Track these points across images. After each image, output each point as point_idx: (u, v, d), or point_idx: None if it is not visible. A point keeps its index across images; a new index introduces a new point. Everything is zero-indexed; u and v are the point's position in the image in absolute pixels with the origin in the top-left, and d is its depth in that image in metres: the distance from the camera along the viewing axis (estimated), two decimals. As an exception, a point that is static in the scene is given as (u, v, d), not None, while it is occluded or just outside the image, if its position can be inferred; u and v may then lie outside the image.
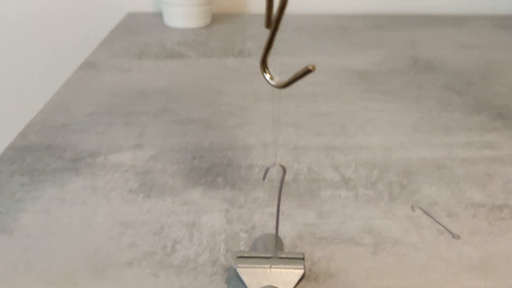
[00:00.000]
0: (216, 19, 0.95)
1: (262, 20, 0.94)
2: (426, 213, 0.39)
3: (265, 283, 0.29)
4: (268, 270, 0.30)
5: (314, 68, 0.22)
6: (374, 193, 0.42)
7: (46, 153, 0.48)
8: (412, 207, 0.40)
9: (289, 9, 0.24)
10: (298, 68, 0.23)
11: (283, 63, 0.71)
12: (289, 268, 0.30)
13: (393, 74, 0.69)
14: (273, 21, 0.23)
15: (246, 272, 0.30)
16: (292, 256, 0.31)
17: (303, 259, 0.30)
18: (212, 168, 0.46)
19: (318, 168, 0.46)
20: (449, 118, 0.56)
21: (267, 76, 0.25)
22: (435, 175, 0.45)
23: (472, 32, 0.89)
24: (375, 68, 0.71)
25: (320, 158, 0.48)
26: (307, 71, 0.22)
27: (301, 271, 0.30)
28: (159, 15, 0.95)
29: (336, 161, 0.47)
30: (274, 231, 0.36)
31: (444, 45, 0.81)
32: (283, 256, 0.30)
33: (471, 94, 0.62)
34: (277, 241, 0.31)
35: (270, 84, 0.25)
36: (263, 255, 0.30)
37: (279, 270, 0.30)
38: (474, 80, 0.67)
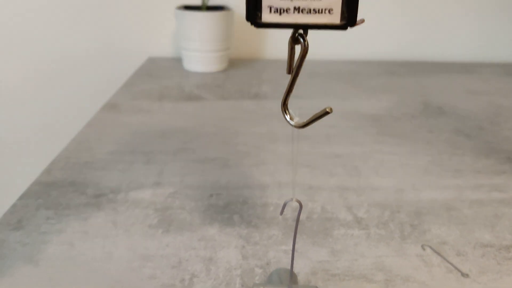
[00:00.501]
0: (233, 64, 0.98)
1: (277, 65, 0.97)
2: (436, 252, 0.40)
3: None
4: (283, 302, 0.31)
5: (331, 110, 0.24)
6: (385, 232, 0.43)
7: (70, 189, 0.50)
8: (423, 246, 0.41)
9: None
10: (313, 110, 0.25)
11: (298, 106, 0.73)
12: (303, 301, 0.31)
13: (404, 119, 0.71)
14: (294, 68, 0.25)
15: (262, 303, 0.31)
16: (306, 289, 0.32)
17: (316, 292, 0.32)
18: (229, 206, 0.47)
19: (331, 207, 0.47)
20: (459, 161, 0.58)
21: (288, 117, 0.27)
22: (445, 216, 0.46)
23: (482, 79, 0.91)
24: (387, 112, 0.73)
25: (333, 198, 0.49)
26: (325, 113, 0.24)
27: (314, 304, 0.31)
28: (178, 60, 0.99)
29: (349, 201, 0.49)
30: (288, 267, 0.37)
31: (455, 91, 0.83)
32: (298, 289, 0.32)
33: (481, 139, 0.64)
34: (292, 275, 0.32)
35: (290, 124, 0.27)
36: (278, 287, 0.32)
37: (294, 302, 0.31)
38: (483, 125, 0.68)
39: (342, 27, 0.24)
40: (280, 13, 0.24)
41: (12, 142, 1.07)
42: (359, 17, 0.25)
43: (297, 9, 0.24)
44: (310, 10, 0.24)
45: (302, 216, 0.46)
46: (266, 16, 0.24)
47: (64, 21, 1.00)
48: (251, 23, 0.25)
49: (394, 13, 1.02)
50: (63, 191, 0.49)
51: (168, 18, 0.99)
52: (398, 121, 0.70)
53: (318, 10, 0.24)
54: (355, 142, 0.62)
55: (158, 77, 0.89)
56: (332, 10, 0.24)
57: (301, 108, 0.72)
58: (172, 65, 0.97)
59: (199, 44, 0.90)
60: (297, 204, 0.29)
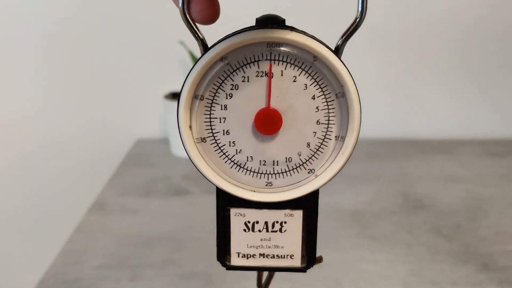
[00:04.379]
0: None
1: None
2: None
3: None
4: None
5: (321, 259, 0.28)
6: None
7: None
8: None
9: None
10: None
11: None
12: None
13: (384, 215, 0.73)
14: (264, 284, 0.27)
15: None
16: None
17: None
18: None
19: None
20: (437, 270, 0.60)
21: None
22: None
23: (461, 162, 0.94)
24: (367, 208, 0.75)
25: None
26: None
27: None
28: (166, 142, 1.02)
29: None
30: None
31: (434, 178, 0.86)
32: None
33: (458, 241, 0.66)
34: None
35: None
36: None
37: None
38: (461, 223, 0.71)
39: (303, 269, 0.27)
40: (247, 258, 0.27)
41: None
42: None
43: (262, 255, 0.27)
44: (274, 255, 0.27)
45: None
46: (235, 260, 0.27)
47: (53, 105, 1.02)
48: (222, 265, 0.27)
49: (374, 92, 1.06)
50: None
51: (157, 101, 1.02)
52: (378, 218, 0.72)
53: (281, 256, 0.27)
54: (336, 248, 0.64)
55: (146, 165, 0.92)
56: (293, 255, 0.27)
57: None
58: (160, 149, 1.00)
59: (186, 132, 0.92)
60: None
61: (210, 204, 0.70)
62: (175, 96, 0.97)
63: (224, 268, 0.59)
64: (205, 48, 0.26)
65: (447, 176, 0.87)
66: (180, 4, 0.25)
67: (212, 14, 0.24)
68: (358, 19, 0.26)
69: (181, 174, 0.87)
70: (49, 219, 1.06)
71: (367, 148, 1.01)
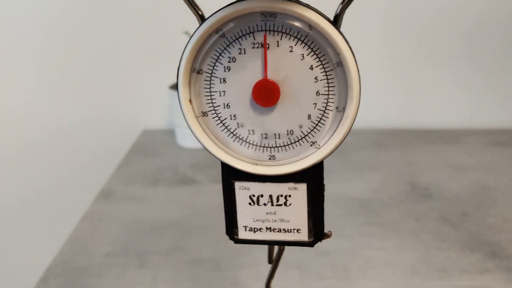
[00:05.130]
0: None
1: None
2: None
3: None
4: None
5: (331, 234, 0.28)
6: None
7: (65, 302, 0.51)
8: None
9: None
10: None
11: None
12: None
13: (391, 203, 0.73)
14: (274, 259, 0.27)
15: None
16: None
17: None
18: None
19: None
20: (445, 257, 0.59)
21: None
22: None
23: (467, 151, 0.93)
24: (374, 196, 0.75)
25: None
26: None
27: None
28: (172, 133, 1.02)
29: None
30: None
31: (440, 168, 0.86)
32: None
33: (466, 228, 0.66)
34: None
35: None
36: None
37: None
38: (468, 211, 0.70)
39: (310, 244, 0.27)
40: (254, 231, 0.27)
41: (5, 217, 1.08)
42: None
43: (269, 229, 0.27)
44: (280, 229, 0.27)
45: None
46: (242, 234, 0.27)
47: (60, 96, 1.02)
48: (230, 238, 0.27)
49: (380, 81, 1.05)
50: (59, 305, 0.51)
51: (163, 92, 1.02)
52: (385, 206, 0.72)
53: (288, 230, 0.27)
54: (343, 235, 0.64)
55: (152, 155, 0.92)
56: (300, 230, 0.27)
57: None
58: (166, 140, 1.00)
59: (192, 122, 0.92)
60: None
61: (217, 193, 0.70)
62: (181, 86, 0.97)
63: (231, 255, 0.59)
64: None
65: (453, 165, 0.87)
66: None
67: None
68: None
69: (188, 164, 0.87)
70: (56, 208, 1.06)
71: (374, 137, 1.00)
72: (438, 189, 0.77)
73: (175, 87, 0.95)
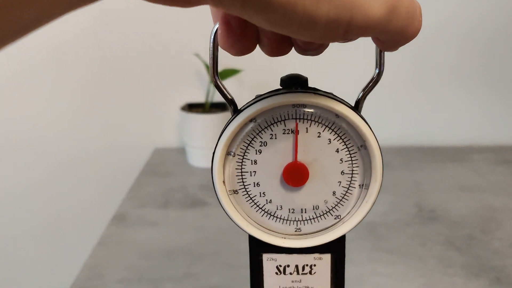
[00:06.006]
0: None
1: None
2: None
3: None
4: None
5: None
6: None
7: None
8: None
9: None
10: None
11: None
12: None
13: (398, 227, 0.74)
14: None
15: None
16: None
17: None
18: None
19: None
20: (450, 283, 0.61)
21: None
22: None
23: (474, 170, 0.95)
24: (382, 219, 0.76)
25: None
26: None
27: None
28: (182, 151, 1.04)
29: None
30: None
31: (447, 188, 0.87)
32: None
33: (471, 253, 0.67)
34: None
35: None
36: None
37: None
38: (474, 234, 0.72)
39: None
40: None
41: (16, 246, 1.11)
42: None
43: None
44: None
45: None
46: None
47: (71, 118, 1.05)
48: None
49: (385, 99, 1.07)
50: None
51: (173, 112, 1.04)
52: (392, 230, 0.73)
53: None
54: (352, 261, 0.66)
55: (163, 175, 0.94)
56: None
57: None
58: (177, 159, 1.02)
59: (202, 143, 0.94)
60: None
61: (225, 216, 0.72)
62: (191, 107, 0.99)
63: (242, 282, 0.61)
64: (234, 108, 0.29)
65: (460, 185, 0.88)
66: (211, 72, 0.28)
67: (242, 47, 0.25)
68: (376, 75, 0.28)
69: (198, 184, 0.89)
70: (72, 232, 1.09)
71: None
72: (444, 211, 0.79)
73: (186, 108, 0.97)
